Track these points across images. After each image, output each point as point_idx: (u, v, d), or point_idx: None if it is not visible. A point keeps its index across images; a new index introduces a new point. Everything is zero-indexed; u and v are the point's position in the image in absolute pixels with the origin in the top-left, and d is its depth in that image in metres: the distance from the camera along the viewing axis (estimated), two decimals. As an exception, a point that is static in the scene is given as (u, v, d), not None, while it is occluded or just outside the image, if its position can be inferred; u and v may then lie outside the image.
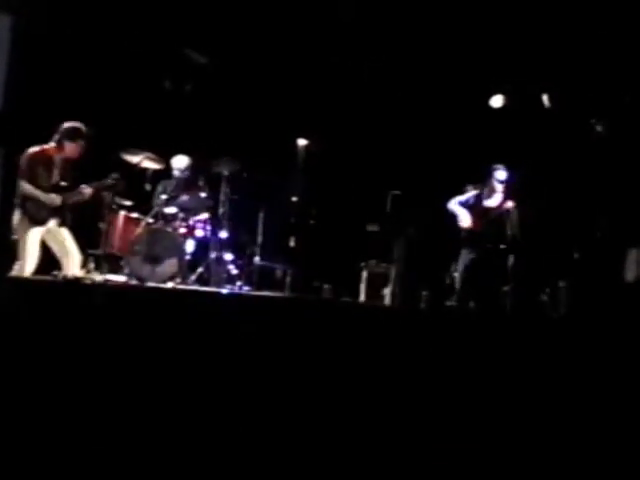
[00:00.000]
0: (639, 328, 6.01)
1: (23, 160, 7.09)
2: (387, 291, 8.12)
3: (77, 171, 7.35)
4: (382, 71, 9.42)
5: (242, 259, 8.45)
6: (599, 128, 8.22)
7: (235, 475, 4.65)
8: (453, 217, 7.87)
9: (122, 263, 7.81)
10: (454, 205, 7.90)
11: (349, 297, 8.07)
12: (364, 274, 8.22)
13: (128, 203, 7.98)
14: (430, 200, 8.28)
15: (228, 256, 8.27)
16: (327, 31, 8.99)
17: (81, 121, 7.30)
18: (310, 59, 9.26)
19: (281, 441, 5.27)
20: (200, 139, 8.81)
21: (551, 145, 8.68)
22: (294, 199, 9.29)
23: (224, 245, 8.29)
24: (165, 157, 8.29)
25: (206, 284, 8.00)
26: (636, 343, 5.81)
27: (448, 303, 7.65)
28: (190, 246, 8.09)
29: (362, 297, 8.14)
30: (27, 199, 7.07)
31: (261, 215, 8.73)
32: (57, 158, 7.19)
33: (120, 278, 7.62)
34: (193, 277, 7.99)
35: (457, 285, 7.80)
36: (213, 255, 8.16)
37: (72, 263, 7.16)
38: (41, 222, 7.11)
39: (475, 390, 5.62)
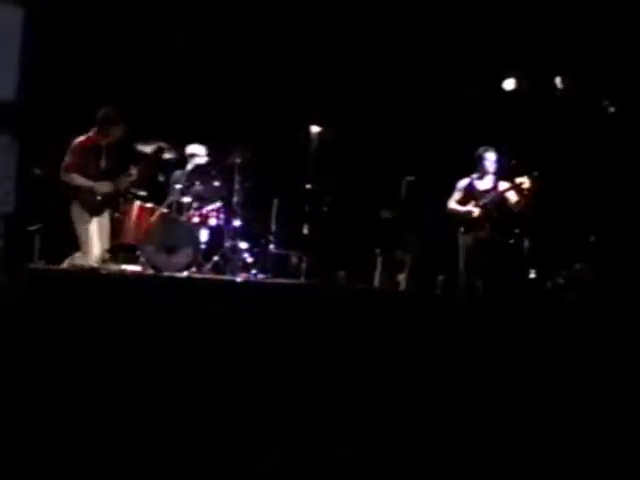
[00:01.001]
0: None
1: (72, 151, 7.14)
2: (402, 277, 8.11)
3: (121, 156, 7.43)
4: (395, 56, 9.41)
5: (257, 247, 8.46)
6: (611, 109, 8.18)
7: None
8: (457, 215, 7.86)
9: (137, 253, 7.83)
10: (453, 205, 7.86)
11: (364, 284, 8.06)
12: (379, 260, 8.22)
13: (143, 193, 8.00)
14: (444, 185, 8.26)
15: (243, 244, 8.28)
16: (339, 17, 8.98)
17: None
18: (323, 45, 9.24)
19: (294, 425, 5.29)
20: (213, 128, 8.81)
21: (565, 128, 8.65)
22: (308, 186, 9.28)
23: (238, 233, 8.30)
24: (179, 146, 8.30)
25: (221, 272, 8.02)
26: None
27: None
28: (205, 235, 8.11)
29: (377, 283, 8.13)
30: (80, 190, 7.12)
31: (275, 203, 8.73)
32: (103, 145, 7.26)
33: (136, 268, 7.65)
34: (208, 266, 8.01)
35: (464, 270, 7.80)
36: (228, 243, 8.18)
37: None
38: (98, 212, 7.19)
39: (491, 373, 5.62)
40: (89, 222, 7.14)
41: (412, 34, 9.03)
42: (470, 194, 7.81)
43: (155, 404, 5.15)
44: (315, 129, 9.67)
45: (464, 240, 7.71)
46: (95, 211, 7.19)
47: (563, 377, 5.63)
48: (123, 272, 7.19)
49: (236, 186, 8.34)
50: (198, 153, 8.41)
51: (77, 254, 7.19)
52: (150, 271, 7.56)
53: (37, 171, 8.01)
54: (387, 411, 5.42)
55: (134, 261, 7.80)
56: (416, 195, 8.75)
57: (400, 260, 8.22)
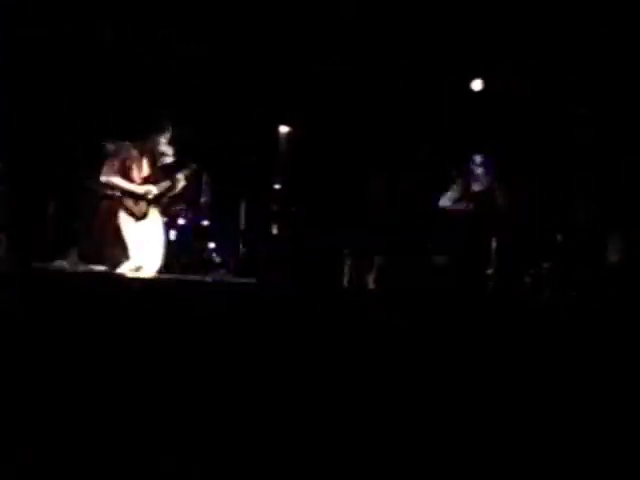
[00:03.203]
0: (623, 311, 6.07)
1: (115, 155, 7.10)
2: (371, 277, 8.13)
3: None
4: (363, 57, 9.42)
5: (225, 247, 8.44)
6: (582, 111, 8.29)
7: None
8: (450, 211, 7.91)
9: (105, 253, 7.78)
10: (448, 203, 7.91)
11: (333, 283, 8.08)
12: (348, 261, 8.23)
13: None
14: (413, 185, 8.30)
15: (211, 244, 8.26)
16: (308, 19, 8.97)
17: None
18: (291, 46, 9.23)
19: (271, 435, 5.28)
20: (182, 128, 8.77)
21: (532, 129, 8.72)
22: (276, 186, 9.27)
23: (207, 233, 8.29)
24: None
25: (189, 273, 8.00)
26: (621, 325, 5.86)
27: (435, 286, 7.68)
28: (172, 235, 8.08)
29: (345, 283, 8.15)
30: (124, 196, 7.03)
31: (243, 203, 8.72)
32: (147, 151, 7.18)
33: (103, 268, 7.60)
34: (176, 266, 7.99)
35: (440, 270, 7.85)
36: (196, 244, 8.16)
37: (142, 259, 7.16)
38: (142, 216, 7.09)
39: (459, 376, 5.65)
40: (133, 227, 7.05)
41: (383, 34, 9.04)
42: (465, 195, 7.88)
43: (121, 411, 5.11)
44: (284, 129, 9.68)
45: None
46: (139, 215, 7.10)
47: (537, 377, 5.67)
48: (90, 272, 7.13)
49: (204, 186, 8.33)
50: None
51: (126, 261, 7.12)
52: (117, 271, 7.53)
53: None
54: (357, 415, 5.43)
55: (102, 261, 7.75)
56: (385, 195, 8.77)
57: (369, 260, 8.23)
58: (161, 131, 7.23)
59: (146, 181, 7.15)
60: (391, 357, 5.63)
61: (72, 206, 7.64)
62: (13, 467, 3.81)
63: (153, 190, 7.13)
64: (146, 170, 7.17)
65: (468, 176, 7.94)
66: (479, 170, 7.87)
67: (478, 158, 7.86)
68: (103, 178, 7.04)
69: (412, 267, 8.31)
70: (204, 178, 8.35)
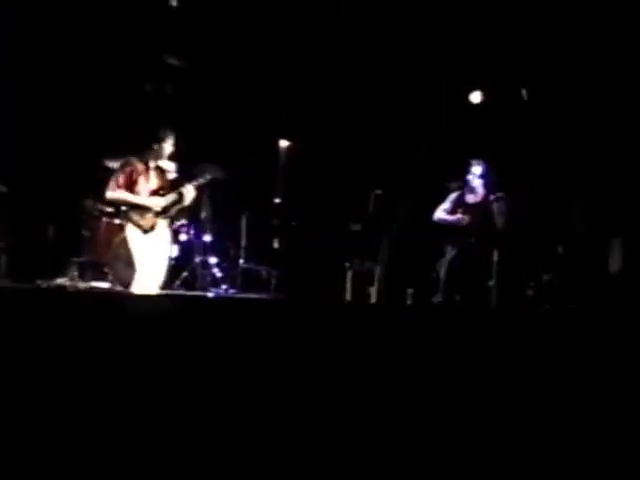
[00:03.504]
0: (625, 320, 6.04)
1: (121, 169, 7.05)
2: (373, 289, 8.12)
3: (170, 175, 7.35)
4: (361, 70, 9.44)
5: (226, 262, 8.44)
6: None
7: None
8: (446, 224, 7.88)
9: (106, 270, 7.78)
10: (441, 214, 7.89)
11: (335, 297, 8.06)
12: (349, 273, 8.23)
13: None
14: (413, 197, 8.30)
15: (212, 259, 8.26)
16: (304, 31, 8.99)
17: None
18: (289, 59, 9.25)
19: (268, 446, 5.25)
20: (181, 142, 8.78)
21: (530, 139, 8.72)
22: (277, 201, 9.27)
23: (208, 248, 8.28)
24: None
25: (191, 288, 7.99)
26: (623, 335, 5.84)
27: (434, 299, 7.65)
28: (174, 250, 8.07)
29: (348, 296, 8.14)
30: (132, 210, 7.01)
31: (244, 217, 8.72)
32: (152, 164, 7.16)
33: (104, 285, 7.59)
34: (178, 282, 7.98)
35: (442, 281, 7.82)
36: (197, 259, 8.15)
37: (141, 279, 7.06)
38: (150, 229, 7.09)
39: (461, 387, 5.62)
40: (142, 240, 7.03)
41: (379, 47, 9.06)
42: (459, 206, 7.86)
43: (123, 425, 5.09)
44: (283, 143, 9.68)
45: (449, 251, 7.77)
46: (146, 228, 7.09)
47: (534, 389, 5.64)
48: (92, 290, 7.12)
49: (205, 201, 8.32)
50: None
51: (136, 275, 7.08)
52: (119, 288, 7.51)
53: (3, 188, 7.94)
54: (356, 431, 5.40)
55: (103, 278, 7.74)
56: (384, 207, 8.78)
57: (370, 273, 8.22)
58: (163, 143, 7.20)
59: (154, 194, 7.13)
60: (393, 369, 5.61)
61: (72, 223, 7.62)
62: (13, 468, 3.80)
63: (160, 202, 7.11)
64: (153, 183, 7.14)
65: (464, 188, 7.92)
66: (476, 182, 7.84)
67: (475, 170, 7.84)
68: (109, 194, 7.02)
69: (414, 280, 8.31)
70: (205, 193, 8.34)
